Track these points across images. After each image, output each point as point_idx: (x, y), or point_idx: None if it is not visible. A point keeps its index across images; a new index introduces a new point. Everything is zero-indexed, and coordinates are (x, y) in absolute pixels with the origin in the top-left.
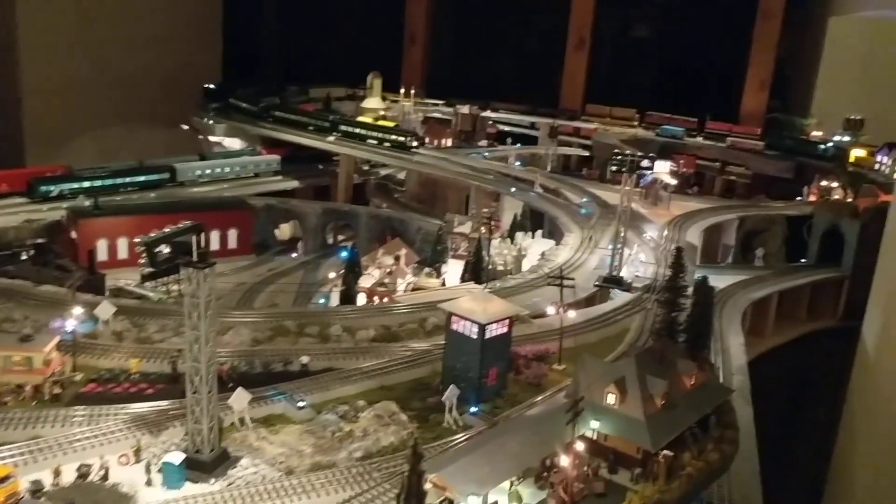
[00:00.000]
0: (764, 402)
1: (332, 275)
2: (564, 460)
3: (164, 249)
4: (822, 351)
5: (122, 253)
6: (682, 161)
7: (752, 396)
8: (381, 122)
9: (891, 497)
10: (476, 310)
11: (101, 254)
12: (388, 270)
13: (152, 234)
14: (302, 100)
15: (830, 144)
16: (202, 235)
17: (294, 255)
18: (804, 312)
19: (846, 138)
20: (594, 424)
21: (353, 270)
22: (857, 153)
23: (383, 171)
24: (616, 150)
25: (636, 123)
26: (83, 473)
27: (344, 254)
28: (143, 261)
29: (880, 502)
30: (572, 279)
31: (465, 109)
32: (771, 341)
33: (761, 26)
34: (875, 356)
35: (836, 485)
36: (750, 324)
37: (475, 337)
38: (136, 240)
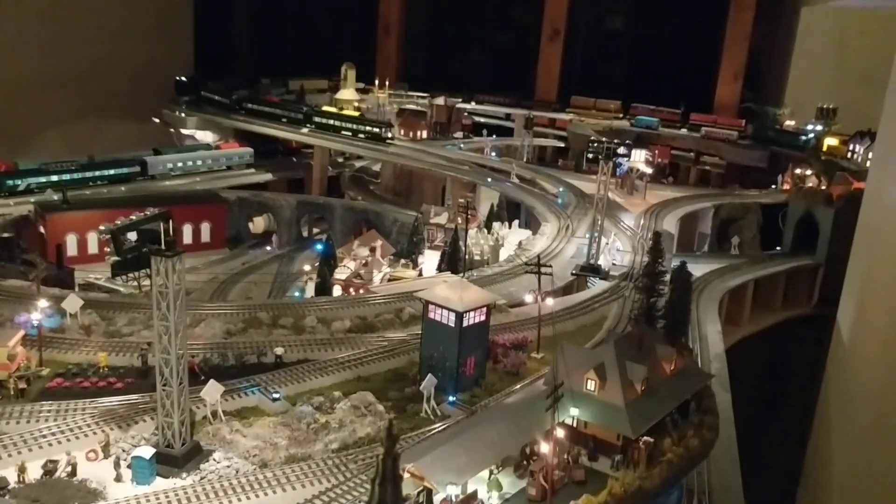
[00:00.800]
0: (740, 390)
1: (307, 267)
2: (544, 447)
3: (132, 238)
4: (796, 340)
5: (92, 248)
6: (656, 151)
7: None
8: (348, 112)
9: (865, 483)
10: (453, 298)
11: (71, 249)
12: (363, 262)
13: (118, 222)
14: (277, 92)
15: (811, 136)
16: (170, 223)
17: (268, 248)
18: (779, 300)
19: (819, 127)
20: (574, 412)
21: (328, 263)
22: (829, 142)
23: (358, 164)
24: (593, 138)
25: (620, 116)
26: (49, 470)
27: (319, 247)
28: (108, 249)
29: (855, 489)
30: (550, 266)
31: (440, 101)
32: (747, 329)
33: (734, 17)
34: (849, 343)
35: (811, 472)
36: (726, 312)
37: (453, 325)
38: (101, 227)
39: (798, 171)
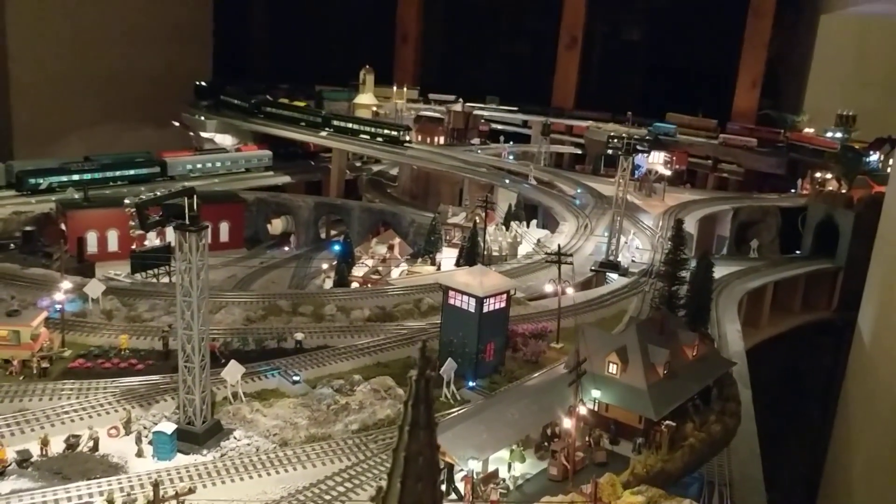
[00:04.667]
0: (757, 396)
1: (324, 266)
2: (567, 423)
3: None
4: (814, 347)
5: (112, 245)
6: (674, 157)
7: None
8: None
9: (887, 485)
10: (473, 283)
11: (91, 246)
12: (381, 259)
13: (143, 196)
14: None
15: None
16: (194, 199)
17: (286, 248)
18: (799, 304)
19: (838, 134)
20: (595, 394)
21: (345, 262)
22: None
23: (375, 168)
24: (612, 134)
25: (716, 137)
26: (71, 444)
27: (336, 248)
28: (133, 223)
29: (876, 490)
30: (570, 255)
31: (457, 107)
32: (766, 332)
33: (752, 25)
34: (871, 346)
35: (832, 476)
36: (745, 315)
37: (473, 311)
38: (127, 201)
39: (818, 174)
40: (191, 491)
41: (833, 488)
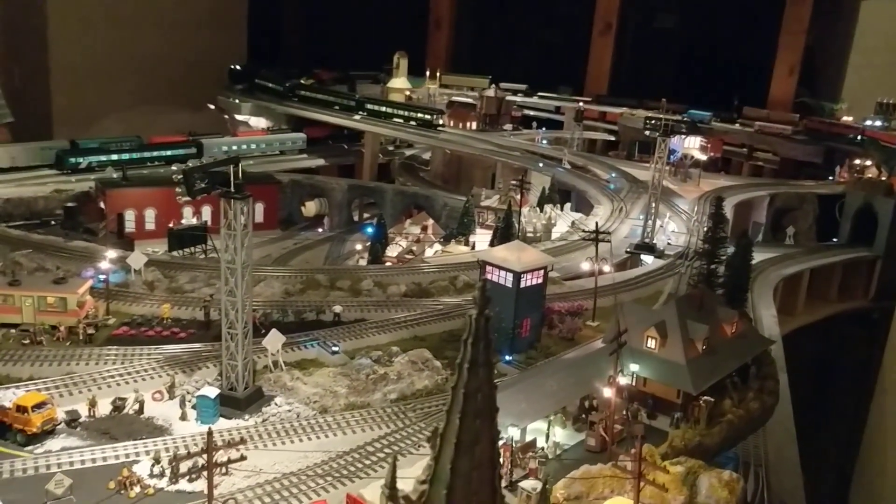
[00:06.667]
0: (790, 382)
1: (358, 246)
2: (607, 392)
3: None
4: (848, 338)
5: (150, 224)
6: (709, 145)
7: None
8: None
9: None
10: (511, 259)
11: (129, 225)
12: (415, 239)
13: (190, 163)
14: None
15: None
16: (240, 167)
17: (320, 230)
18: (835, 292)
19: (878, 122)
20: (633, 368)
21: (379, 242)
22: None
23: (408, 152)
24: (649, 116)
25: (799, 129)
26: (118, 406)
27: (369, 230)
28: (180, 189)
29: None
30: (608, 233)
31: (490, 92)
32: (801, 319)
33: (790, 11)
34: None
35: (866, 464)
36: (780, 302)
37: (510, 286)
38: (174, 167)
39: (857, 161)
40: (242, 441)
41: (867, 479)
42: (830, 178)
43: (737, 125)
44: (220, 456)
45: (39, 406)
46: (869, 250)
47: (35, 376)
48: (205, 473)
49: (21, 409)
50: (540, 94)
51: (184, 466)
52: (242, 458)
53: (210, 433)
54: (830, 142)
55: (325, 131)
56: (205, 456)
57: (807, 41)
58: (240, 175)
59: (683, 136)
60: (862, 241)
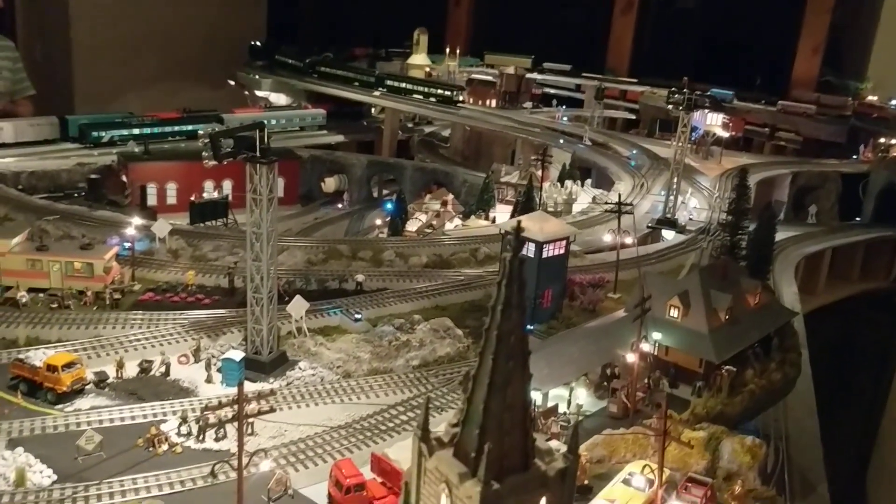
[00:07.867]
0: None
1: (378, 221)
2: (630, 357)
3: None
4: (869, 321)
5: (171, 198)
6: (730, 123)
7: None
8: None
9: None
10: (534, 228)
11: (150, 199)
12: (435, 214)
13: (216, 128)
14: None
15: None
16: (265, 132)
17: (339, 206)
18: (857, 272)
19: None
20: (656, 336)
21: (399, 218)
22: None
23: (427, 129)
24: (672, 88)
25: (849, 114)
26: (145, 368)
27: (389, 206)
28: (206, 154)
29: None
30: (631, 205)
31: (510, 70)
32: (822, 299)
33: None
34: None
35: (886, 445)
36: (801, 280)
37: (532, 256)
38: (200, 131)
39: (882, 139)
40: (273, 392)
41: (885, 460)
42: (854, 156)
43: (761, 104)
44: (251, 409)
45: (69, 366)
46: (892, 230)
47: (63, 339)
48: (232, 427)
49: (51, 368)
50: (584, 74)
51: (213, 419)
52: (272, 409)
53: (241, 383)
54: (857, 121)
55: (327, 107)
56: (234, 408)
57: (832, 20)
58: (266, 140)
59: (706, 113)
60: (886, 221)
